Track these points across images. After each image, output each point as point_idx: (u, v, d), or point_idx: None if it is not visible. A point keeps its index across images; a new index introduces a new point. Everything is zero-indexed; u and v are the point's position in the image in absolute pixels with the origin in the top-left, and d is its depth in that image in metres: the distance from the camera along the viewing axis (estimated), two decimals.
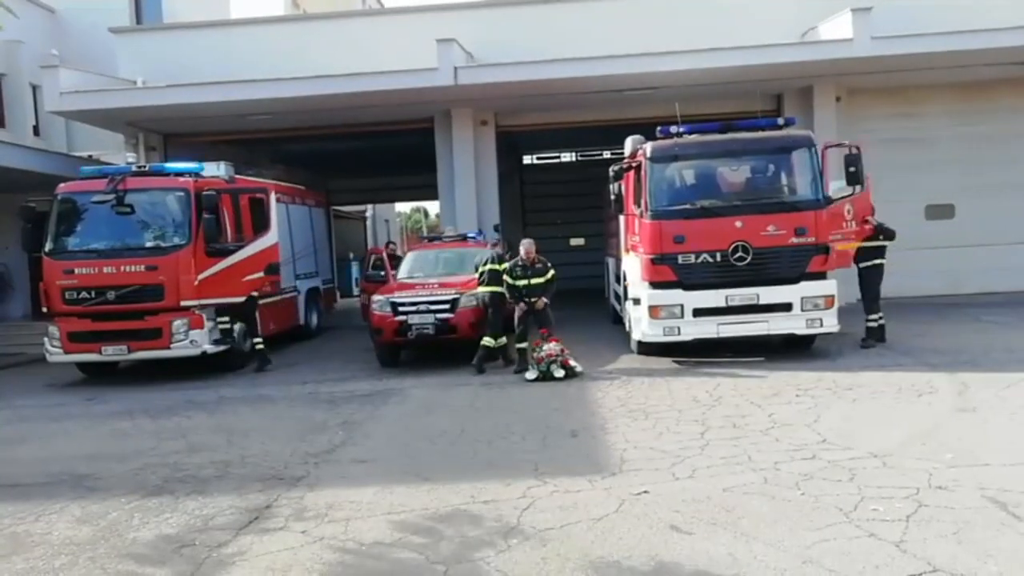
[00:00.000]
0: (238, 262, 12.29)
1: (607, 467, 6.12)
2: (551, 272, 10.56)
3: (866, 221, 10.91)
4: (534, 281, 10.44)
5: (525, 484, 5.78)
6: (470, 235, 14.20)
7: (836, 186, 10.66)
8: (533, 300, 10.43)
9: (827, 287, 10.19)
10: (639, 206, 10.62)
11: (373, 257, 15.73)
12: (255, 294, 12.35)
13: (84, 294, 11.23)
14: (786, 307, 10.11)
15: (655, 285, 10.40)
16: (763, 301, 10.11)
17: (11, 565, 4.90)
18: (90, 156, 17.90)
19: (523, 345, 10.48)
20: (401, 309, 11.08)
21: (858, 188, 10.49)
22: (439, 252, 13.45)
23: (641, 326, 10.61)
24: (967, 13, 14.26)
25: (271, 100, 14.73)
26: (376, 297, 11.54)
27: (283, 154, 20.47)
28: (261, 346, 12.20)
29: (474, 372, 10.50)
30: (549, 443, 6.96)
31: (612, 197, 11.78)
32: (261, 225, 13.22)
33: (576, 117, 17.32)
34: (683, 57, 13.92)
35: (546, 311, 10.50)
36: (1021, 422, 6.88)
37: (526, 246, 10.66)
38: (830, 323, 10.20)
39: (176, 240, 11.41)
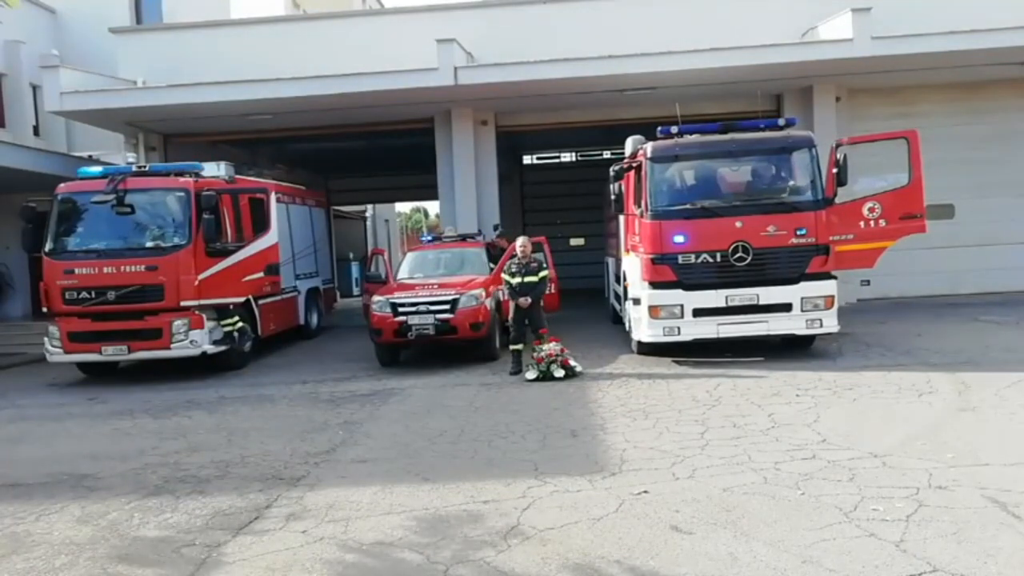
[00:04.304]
0: (238, 262, 12.34)
1: (607, 467, 6.12)
2: (542, 273, 10.55)
3: (913, 216, 10.40)
4: (527, 279, 10.44)
5: (525, 484, 5.79)
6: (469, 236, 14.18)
7: (866, 183, 10.54)
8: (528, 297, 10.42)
9: (827, 287, 10.19)
10: (639, 206, 10.62)
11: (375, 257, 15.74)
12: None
13: (84, 294, 11.23)
14: (786, 307, 10.12)
15: (655, 285, 10.41)
16: (763, 301, 10.12)
17: (11, 565, 4.90)
18: (90, 156, 17.88)
19: (518, 347, 10.48)
20: (401, 310, 11.08)
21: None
22: (439, 253, 13.44)
23: (641, 326, 10.61)
24: (967, 13, 14.26)
25: (271, 100, 14.74)
26: (376, 298, 11.53)
27: (283, 154, 20.49)
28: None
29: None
30: (549, 443, 6.96)
31: (612, 197, 11.78)
32: (261, 225, 13.26)
33: (576, 117, 17.32)
34: (683, 57, 13.93)
35: (538, 311, 10.50)
36: (1021, 422, 6.88)
37: (521, 244, 10.67)
38: (830, 323, 10.20)
39: (176, 240, 11.41)
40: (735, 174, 10.85)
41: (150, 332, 11.27)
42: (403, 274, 12.91)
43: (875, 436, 6.58)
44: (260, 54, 15.88)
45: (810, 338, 10.60)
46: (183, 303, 11.29)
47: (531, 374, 9.92)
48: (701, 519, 4.95)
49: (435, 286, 11.55)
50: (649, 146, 10.65)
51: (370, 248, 27.13)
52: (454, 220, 16.34)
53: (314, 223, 17.06)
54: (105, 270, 11.20)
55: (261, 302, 13.16)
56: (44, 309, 11.73)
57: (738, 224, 10.07)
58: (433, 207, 40.05)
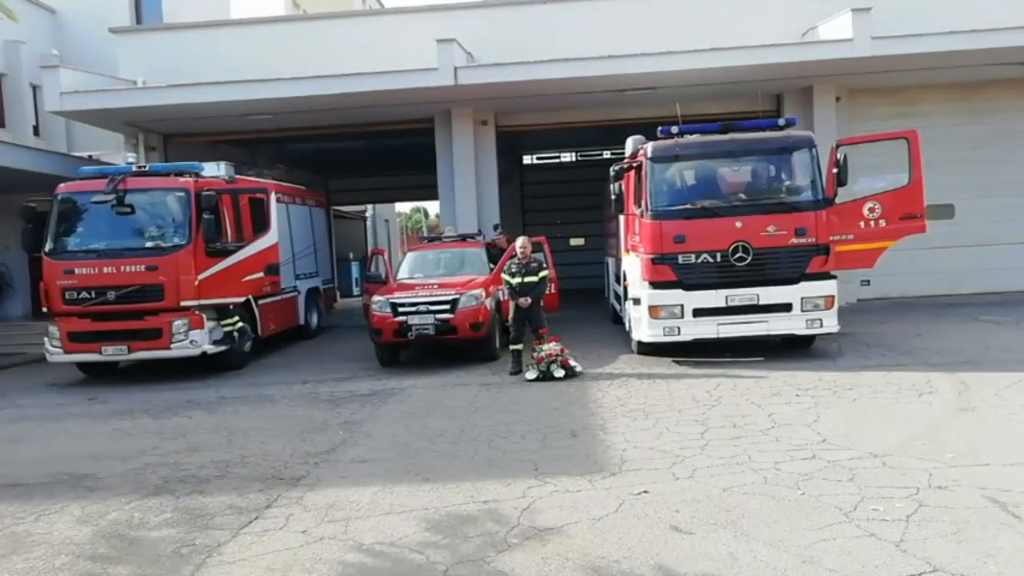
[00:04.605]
0: (238, 262, 12.34)
1: (607, 467, 6.12)
2: (542, 272, 10.56)
3: (913, 216, 10.40)
4: (527, 279, 10.45)
5: (525, 484, 5.79)
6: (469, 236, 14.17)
7: (866, 183, 10.52)
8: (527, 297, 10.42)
9: (827, 287, 10.19)
10: (640, 206, 10.62)
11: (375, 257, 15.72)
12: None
13: (84, 294, 11.23)
14: (786, 307, 10.12)
15: (655, 285, 10.41)
16: (763, 301, 10.12)
17: (11, 565, 4.90)
18: (90, 156, 17.89)
19: (518, 347, 10.48)
20: (401, 310, 11.08)
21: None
22: (439, 252, 13.43)
23: (641, 326, 10.62)
24: (967, 13, 14.26)
25: (271, 100, 14.74)
26: (376, 298, 11.53)
27: (283, 154, 20.50)
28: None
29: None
30: (549, 443, 6.96)
31: (612, 197, 11.79)
32: (261, 225, 13.27)
33: (576, 117, 17.32)
34: (683, 57, 13.93)
35: (538, 311, 10.50)
36: (1021, 422, 6.88)
37: (521, 244, 10.68)
38: (830, 323, 10.20)
39: (176, 240, 11.41)
40: (735, 174, 10.86)
41: (150, 332, 11.27)
42: (403, 274, 12.91)
43: (875, 436, 6.58)
44: (260, 54, 15.88)
45: (810, 338, 10.60)
46: (183, 303, 11.28)
47: (531, 374, 9.92)
48: (701, 519, 4.95)
49: (435, 286, 11.55)
50: (649, 146, 10.65)
51: (370, 248, 27.14)
52: (454, 220, 16.33)
53: (314, 223, 17.06)
54: (105, 270, 11.20)
55: (261, 302, 13.16)
56: (44, 309, 11.73)
57: (738, 224, 10.07)
58: (433, 207, 40.08)
